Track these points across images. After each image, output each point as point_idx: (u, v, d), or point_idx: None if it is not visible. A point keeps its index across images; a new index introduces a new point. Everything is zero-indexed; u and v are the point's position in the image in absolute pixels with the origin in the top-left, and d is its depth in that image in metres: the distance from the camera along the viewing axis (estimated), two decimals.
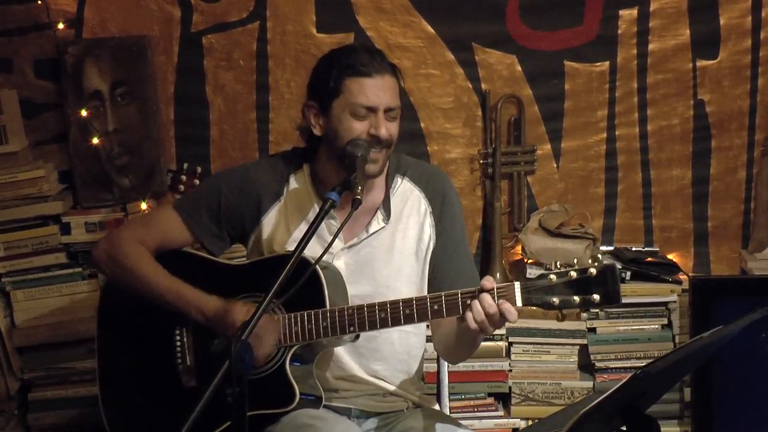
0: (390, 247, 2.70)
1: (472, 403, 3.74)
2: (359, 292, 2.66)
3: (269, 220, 2.73)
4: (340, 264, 2.67)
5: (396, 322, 2.49)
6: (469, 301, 2.40)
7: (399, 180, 2.75)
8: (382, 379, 2.74)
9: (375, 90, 2.60)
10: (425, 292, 2.71)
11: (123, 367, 2.81)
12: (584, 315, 2.43)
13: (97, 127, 3.77)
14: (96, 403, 2.85)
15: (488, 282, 2.40)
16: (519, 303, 2.38)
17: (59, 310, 3.73)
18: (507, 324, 3.60)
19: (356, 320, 2.50)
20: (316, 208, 2.68)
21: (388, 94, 2.62)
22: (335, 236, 2.47)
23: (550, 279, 2.36)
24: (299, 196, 2.72)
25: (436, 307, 2.44)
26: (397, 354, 2.74)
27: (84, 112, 3.75)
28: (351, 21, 3.81)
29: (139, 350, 2.79)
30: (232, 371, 2.10)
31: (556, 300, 2.36)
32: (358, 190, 2.49)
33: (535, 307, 2.39)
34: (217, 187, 2.77)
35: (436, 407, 2.89)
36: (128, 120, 3.78)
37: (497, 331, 3.70)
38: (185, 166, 3.76)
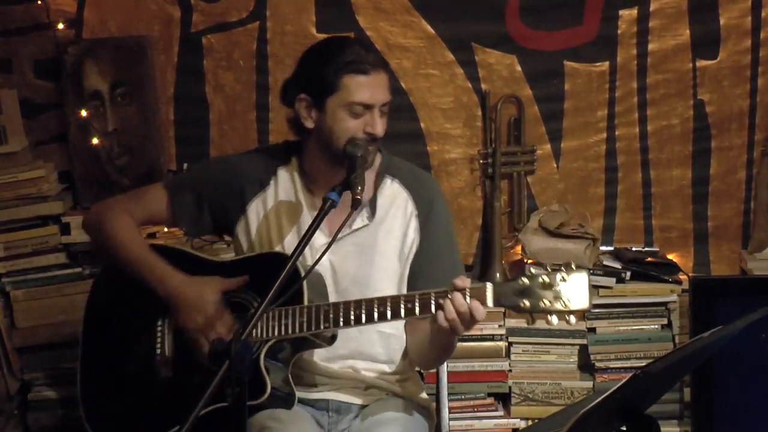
0: (372, 246, 2.71)
1: (471, 403, 3.74)
2: (340, 288, 2.67)
3: (254, 209, 2.75)
4: (322, 259, 2.66)
5: (370, 320, 2.48)
6: (441, 300, 2.41)
7: (388, 181, 2.75)
8: (363, 376, 2.74)
9: (372, 87, 2.60)
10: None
11: (104, 356, 2.81)
12: (556, 319, 2.42)
13: (97, 127, 3.77)
14: None
15: (460, 281, 2.41)
16: (490, 303, 2.40)
17: (59, 310, 3.72)
18: (507, 324, 3.70)
19: (332, 317, 2.50)
20: (302, 202, 2.71)
21: (383, 90, 2.63)
22: (334, 238, 2.47)
23: (522, 282, 2.38)
24: (286, 190, 2.74)
25: (409, 305, 2.45)
26: (378, 355, 2.75)
27: (84, 112, 3.75)
28: (351, 21, 3.80)
29: (121, 339, 2.79)
30: (232, 371, 2.10)
31: (526, 303, 2.38)
32: (358, 190, 2.50)
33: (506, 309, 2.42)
34: (205, 172, 2.87)
35: (424, 395, 2.87)
36: (128, 120, 3.79)
37: (497, 331, 3.71)
38: (185, 166, 3.76)
